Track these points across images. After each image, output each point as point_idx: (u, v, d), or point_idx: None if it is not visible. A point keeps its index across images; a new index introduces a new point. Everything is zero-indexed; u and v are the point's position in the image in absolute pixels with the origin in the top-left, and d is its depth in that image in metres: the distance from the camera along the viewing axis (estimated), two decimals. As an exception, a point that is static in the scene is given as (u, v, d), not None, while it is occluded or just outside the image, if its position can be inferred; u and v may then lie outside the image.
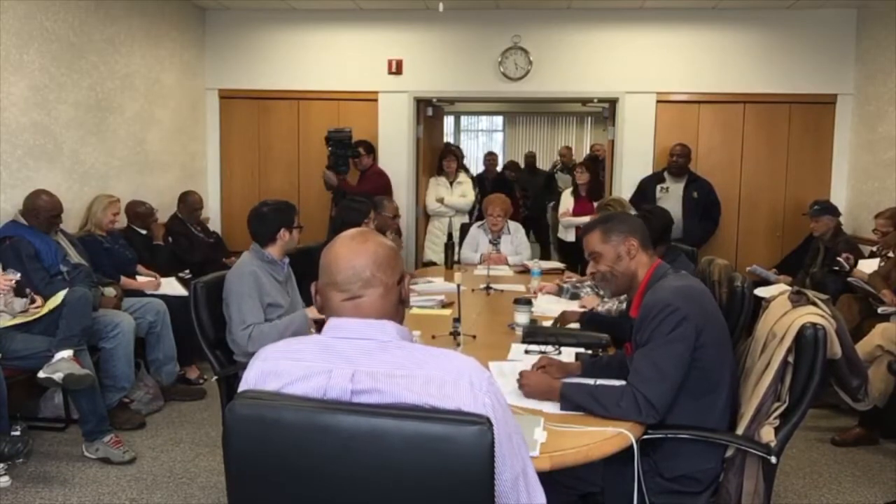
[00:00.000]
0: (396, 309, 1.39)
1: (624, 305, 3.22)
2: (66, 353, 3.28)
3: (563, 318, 3.11)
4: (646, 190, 5.82)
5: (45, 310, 3.49)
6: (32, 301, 3.53)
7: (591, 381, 2.09)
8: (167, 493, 3.14)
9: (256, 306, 2.92)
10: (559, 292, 3.91)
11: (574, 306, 3.54)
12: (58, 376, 3.20)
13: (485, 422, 1.18)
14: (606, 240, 2.15)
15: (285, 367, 1.30)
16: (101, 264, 4.23)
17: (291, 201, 3.38)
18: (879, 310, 3.92)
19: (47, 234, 3.89)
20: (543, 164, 11.09)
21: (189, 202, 5.34)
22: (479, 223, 5.34)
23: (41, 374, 3.22)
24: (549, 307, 3.48)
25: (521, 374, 2.13)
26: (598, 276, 2.19)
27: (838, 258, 4.54)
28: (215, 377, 2.85)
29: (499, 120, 13.03)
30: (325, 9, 6.23)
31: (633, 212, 3.70)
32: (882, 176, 5.45)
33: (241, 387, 1.33)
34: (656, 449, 1.98)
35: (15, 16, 4.14)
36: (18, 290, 3.50)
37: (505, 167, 9.28)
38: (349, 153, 5.72)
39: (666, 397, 1.90)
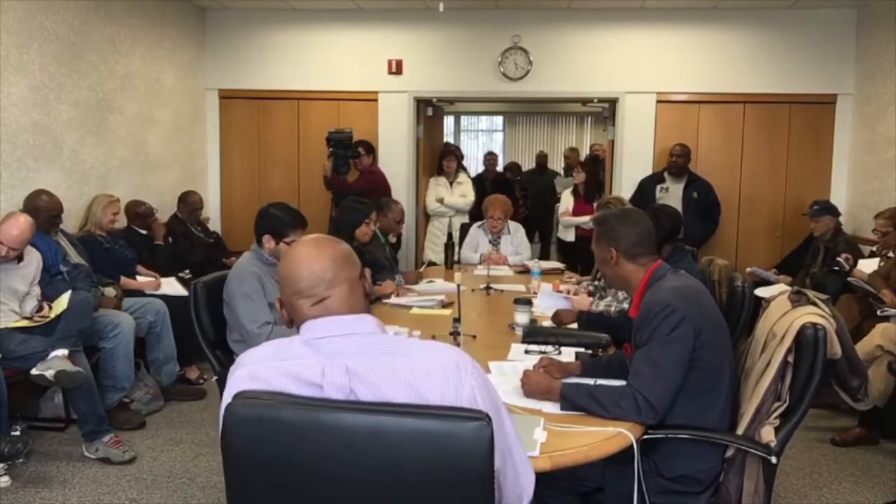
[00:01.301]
0: (364, 303, 1.42)
1: (625, 305, 3.22)
2: (61, 352, 3.28)
3: (558, 318, 3.11)
4: (646, 190, 5.82)
5: (51, 316, 3.49)
6: (40, 309, 3.55)
7: (590, 382, 2.09)
8: (167, 493, 3.14)
9: (264, 305, 2.90)
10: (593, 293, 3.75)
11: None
12: (50, 373, 3.21)
13: (483, 417, 1.19)
14: (597, 241, 2.23)
15: (277, 368, 1.30)
16: (100, 264, 4.23)
17: (303, 214, 3.15)
18: (879, 312, 3.90)
19: (47, 234, 3.89)
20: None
21: (189, 202, 5.35)
22: (479, 223, 5.34)
23: (34, 371, 3.23)
24: (549, 304, 3.47)
25: (524, 372, 2.14)
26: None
27: (838, 258, 4.54)
28: (215, 377, 2.85)
29: (499, 120, 13.02)
30: (325, 9, 6.23)
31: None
32: (882, 176, 5.45)
33: (227, 393, 1.30)
34: (656, 449, 1.98)
35: (15, 16, 4.14)
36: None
37: (506, 168, 9.27)
38: (349, 153, 5.71)
39: (665, 398, 1.90)
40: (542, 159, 9.34)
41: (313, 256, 1.38)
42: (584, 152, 10.63)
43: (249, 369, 1.32)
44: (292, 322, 1.41)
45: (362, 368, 1.26)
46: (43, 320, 3.48)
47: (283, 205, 3.16)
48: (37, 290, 3.61)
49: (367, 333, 1.33)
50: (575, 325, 3.03)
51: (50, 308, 3.53)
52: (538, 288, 3.95)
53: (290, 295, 1.38)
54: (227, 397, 1.29)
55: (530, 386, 2.08)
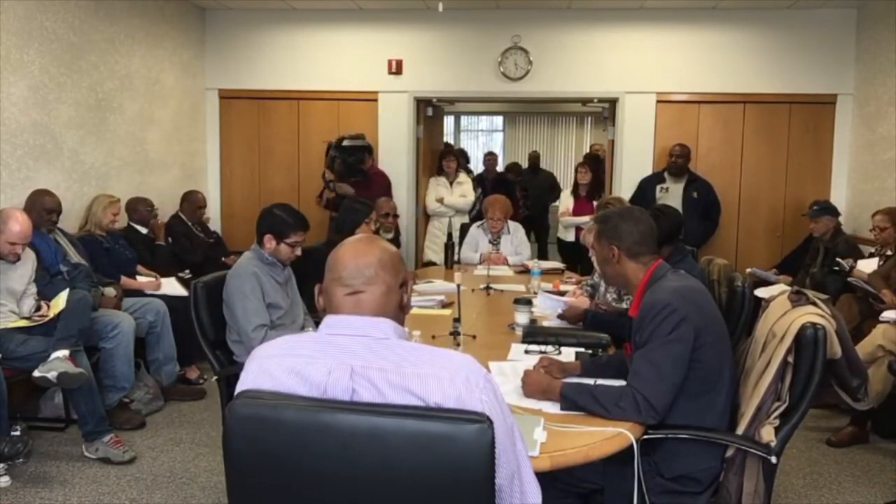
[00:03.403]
0: (396, 312, 1.42)
1: (624, 305, 3.22)
2: (62, 353, 3.28)
3: (566, 316, 3.12)
4: (646, 190, 5.82)
5: (50, 315, 3.49)
6: (38, 308, 3.55)
7: (590, 382, 2.09)
8: (167, 493, 3.14)
9: (261, 307, 2.91)
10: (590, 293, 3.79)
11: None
12: (52, 375, 3.21)
13: (485, 420, 1.18)
14: (598, 239, 2.24)
15: (284, 365, 1.31)
16: (101, 264, 4.23)
17: (306, 216, 3.17)
18: (881, 316, 3.87)
19: (48, 233, 3.89)
20: (546, 164, 11.06)
21: (192, 201, 5.35)
22: (479, 223, 5.34)
23: (36, 374, 3.23)
24: (548, 306, 3.47)
25: (525, 372, 2.14)
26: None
27: (838, 259, 4.54)
28: (215, 377, 2.85)
29: (499, 120, 13.01)
30: (325, 9, 6.23)
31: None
32: (882, 176, 5.45)
33: (239, 387, 1.34)
34: (656, 449, 1.98)
35: (15, 16, 4.14)
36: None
37: (507, 168, 9.27)
38: (361, 157, 5.66)
39: (665, 398, 1.90)
40: (534, 159, 9.36)
41: (362, 250, 1.41)
42: (584, 152, 10.64)
43: (259, 364, 1.34)
44: (325, 308, 1.43)
45: (368, 372, 1.26)
46: (42, 320, 3.48)
47: (286, 206, 3.17)
48: (34, 290, 3.61)
49: (379, 338, 1.33)
50: (581, 324, 3.04)
51: (48, 307, 3.53)
52: (538, 288, 3.95)
53: (330, 281, 1.40)
54: (239, 389, 1.33)
55: (530, 386, 2.08)
